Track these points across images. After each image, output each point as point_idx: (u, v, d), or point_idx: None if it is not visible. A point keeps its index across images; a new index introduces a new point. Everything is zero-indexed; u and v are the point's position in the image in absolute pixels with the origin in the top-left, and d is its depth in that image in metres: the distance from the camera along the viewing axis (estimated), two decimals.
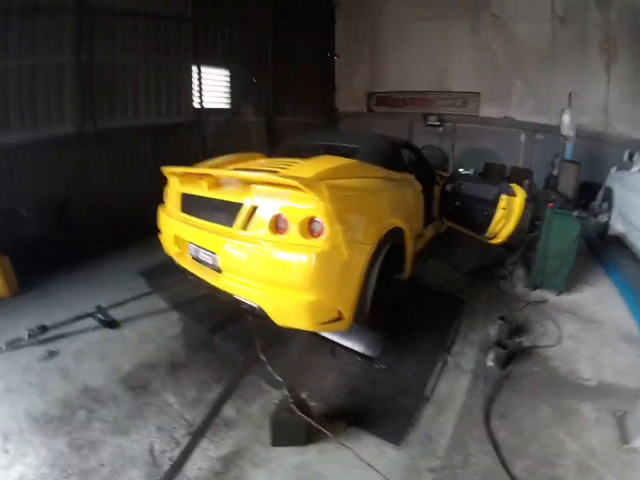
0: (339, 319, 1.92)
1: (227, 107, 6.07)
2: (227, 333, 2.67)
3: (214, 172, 2.21)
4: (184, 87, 5.26)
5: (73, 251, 4.21)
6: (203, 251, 2.20)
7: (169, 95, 5.10)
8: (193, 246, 2.29)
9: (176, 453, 1.85)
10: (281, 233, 1.82)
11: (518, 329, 2.50)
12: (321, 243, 1.76)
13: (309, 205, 1.77)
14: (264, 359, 2.32)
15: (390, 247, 2.14)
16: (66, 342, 2.77)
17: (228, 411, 2.13)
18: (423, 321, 2.54)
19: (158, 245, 2.88)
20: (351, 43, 8.44)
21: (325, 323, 1.91)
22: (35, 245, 4.04)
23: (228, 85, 6.00)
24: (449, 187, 3.46)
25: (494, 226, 3.07)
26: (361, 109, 8.74)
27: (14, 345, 2.72)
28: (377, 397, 2.00)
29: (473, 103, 7.47)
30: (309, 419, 1.81)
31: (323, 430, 1.86)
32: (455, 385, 2.06)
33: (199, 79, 5.48)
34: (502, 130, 7.01)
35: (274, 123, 6.78)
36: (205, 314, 2.91)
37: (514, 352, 2.21)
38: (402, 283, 2.52)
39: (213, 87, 5.75)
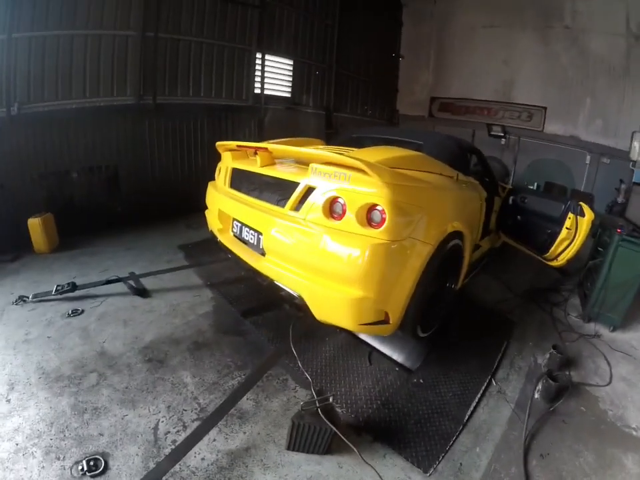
0: (385, 322, 1.79)
1: (288, 95, 6.24)
2: (259, 319, 2.60)
3: (270, 146, 2.12)
4: (246, 72, 5.43)
5: (119, 218, 4.48)
6: (247, 229, 2.16)
7: (231, 77, 5.28)
8: (238, 223, 2.26)
9: (181, 437, 1.70)
10: (335, 219, 1.71)
11: (568, 362, 2.39)
12: (379, 234, 1.63)
13: (371, 189, 1.65)
14: (295, 352, 2.14)
15: (449, 251, 2.04)
16: (93, 303, 2.82)
17: (246, 402, 1.95)
18: (469, 339, 2.43)
19: (203, 223, 2.90)
20: (417, 46, 8.48)
21: (368, 324, 1.77)
22: (83, 208, 4.34)
23: (290, 74, 6.16)
24: (511, 200, 3.32)
25: (556, 246, 2.93)
26: (422, 113, 8.70)
27: (41, 297, 2.80)
28: (411, 414, 1.86)
29: (538, 117, 7.18)
30: (334, 428, 1.57)
31: (346, 441, 1.64)
32: (495, 413, 1.93)
33: (262, 66, 5.64)
34: (566, 149, 6.74)
35: (332, 117, 6.91)
36: (240, 296, 2.89)
37: (564, 386, 2.09)
38: (454, 294, 2.42)
39: (275, 75, 5.91)
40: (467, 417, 1.88)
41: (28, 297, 2.76)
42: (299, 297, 1.81)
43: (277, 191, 1.99)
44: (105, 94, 4.42)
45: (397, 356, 2.22)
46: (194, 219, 3.48)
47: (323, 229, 1.71)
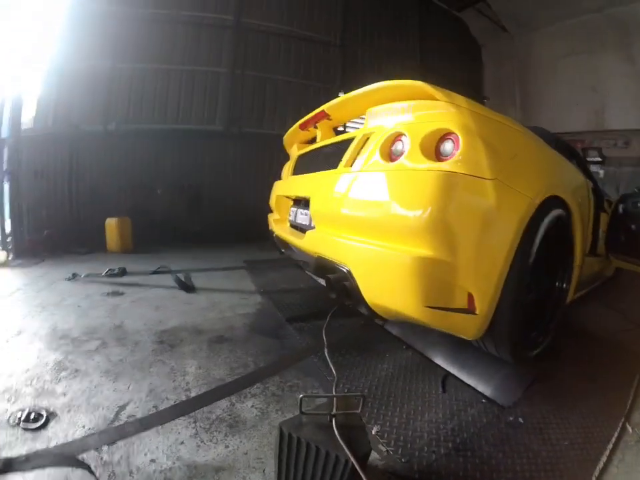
0: (468, 310, 1.48)
1: None
2: (306, 326, 2.56)
3: (326, 105, 2.31)
4: None
5: (195, 237, 5.39)
6: (301, 211, 2.29)
7: None
8: (294, 209, 2.45)
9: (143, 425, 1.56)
10: (396, 159, 1.61)
11: None
12: (451, 164, 1.45)
13: (440, 111, 1.57)
14: (328, 357, 1.93)
15: (553, 225, 1.83)
16: (137, 289, 3.29)
17: (248, 410, 1.68)
18: (584, 371, 2.17)
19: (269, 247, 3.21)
20: (500, 85, 9.63)
21: (441, 309, 1.46)
22: (162, 222, 5.43)
23: None
24: (621, 209, 3.27)
25: None
26: None
27: (92, 278, 3.45)
28: (501, 468, 1.43)
29: (637, 142, 7.61)
30: (353, 459, 1.07)
31: None
32: (638, 472, 1.49)
33: None
34: None
35: None
36: (291, 304, 2.99)
37: None
38: (565, 301, 2.23)
39: (357, 120, 6.58)
40: (594, 479, 1.42)
41: (80, 275, 3.45)
42: (348, 272, 1.64)
43: (334, 155, 2.03)
44: (196, 122, 5.87)
45: (482, 387, 1.87)
46: (267, 244, 3.82)
47: (377, 173, 1.63)
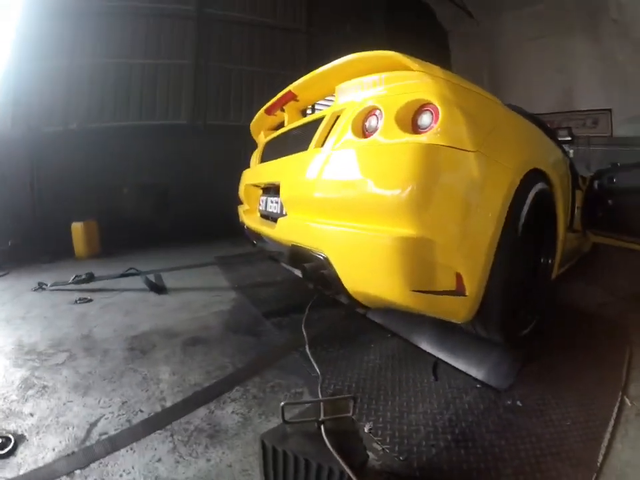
0: (458, 292, 1.42)
1: None
2: (284, 321, 2.49)
3: (292, 85, 2.26)
4: None
5: (165, 236, 5.26)
6: (271, 199, 2.23)
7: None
8: (263, 198, 2.40)
9: (117, 443, 1.49)
10: (369, 135, 1.55)
11: None
12: (430, 135, 1.38)
13: (415, 82, 1.51)
14: (310, 354, 1.88)
15: (536, 200, 1.78)
16: (105, 294, 3.18)
17: (229, 416, 1.60)
18: (574, 347, 2.18)
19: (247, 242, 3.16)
20: (468, 70, 9.73)
21: (428, 293, 1.39)
22: (130, 222, 5.23)
23: None
24: (596, 184, 3.35)
25: None
26: None
27: (59, 286, 3.30)
28: (506, 457, 1.37)
29: (605, 121, 7.80)
30: (349, 470, 0.97)
31: None
32: None
33: None
34: None
35: None
36: (267, 299, 2.93)
37: None
38: (551, 278, 2.24)
39: (324, 101, 6.53)
40: (600, 457, 1.39)
41: (47, 285, 3.31)
42: (325, 259, 1.56)
43: (302, 138, 1.97)
44: (161, 117, 5.71)
45: (475, 371, 1.82)
46: (240, 239, 3.76)
47: (351, 150, 1.54)
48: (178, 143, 5.60)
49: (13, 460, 1.37)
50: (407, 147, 1.37)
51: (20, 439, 1.46)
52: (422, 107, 1.44)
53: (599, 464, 1.35)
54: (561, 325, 2.43)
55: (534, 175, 1.76)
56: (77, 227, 4.52)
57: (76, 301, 2.94)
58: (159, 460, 1.37)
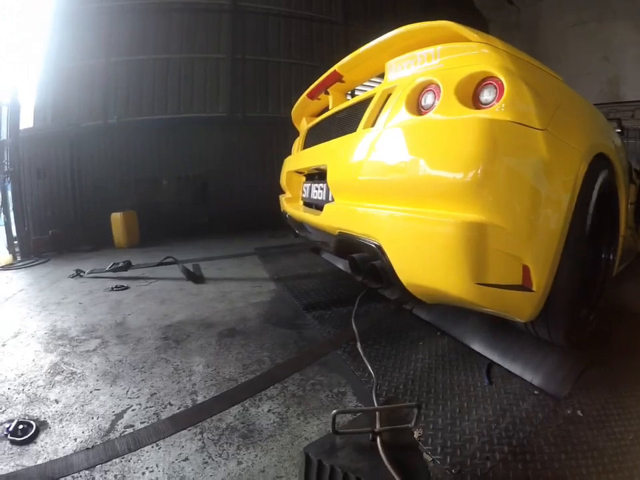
0: (524, 287, 1.29)
1: None
2: (327, 314, 2.37)
3: (338, 65, 2.16)
4: None
5: (204, 228, 5.32)
6: (315, 185, 2.16)
7: None
8: (307, 185, 2.33)
9: (142, 438, 1.33)
10: (426, 112, 1.43)
11: None
12: (495, 111, 1.27)
13: (472, 52, 1.41)
14: (360, 349, 1.63)
15: (600, 191, 1.62)
16: (142, 282, 3.15)
17: (265, 415, 1.47)
18: (635, 350, 1.98)
19: (287, 234, 3.22)
20: None
21: (495, 286, 1.25)
22: (169, 214, 5.38)
23: None
24: None
25: None
26: None
27: (96, 273, 3.32)
28: (566, 473, 1.22)
29: None
30: None
31: None
32: None
33: None
34: None
35: None
36: (308, 291, 2.80)
37: None
38: (612, 274, 2.07)
39: (364, 88, 6.47)
40: None
41: (84, 272, 3.34)
42: (377, 247, 1.46)
43: (350, 120, 1.88)
44: (198, 110, 5.77)
45: (531, 376, 1.70)
46: (280, 231, 3.65)
47: (406, 129, 1.43)
48: (217, 135, 5.70)
49: (33, 447, 1.31)
50: (470, 122, 1.26)
51: (42, 425, 1.42)
52: (484, 81, 1.34)
53: None
54: (622, 327, 2.25)
55: (600, 161, 1.64)
56: (116, 217, 4.65)
57: (112, 288, 2.93)
58: (186, 459, 1.25)
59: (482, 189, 1.19)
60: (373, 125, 1.63)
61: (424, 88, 1.46)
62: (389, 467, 0.85)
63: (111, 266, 3.21)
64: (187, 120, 5.57)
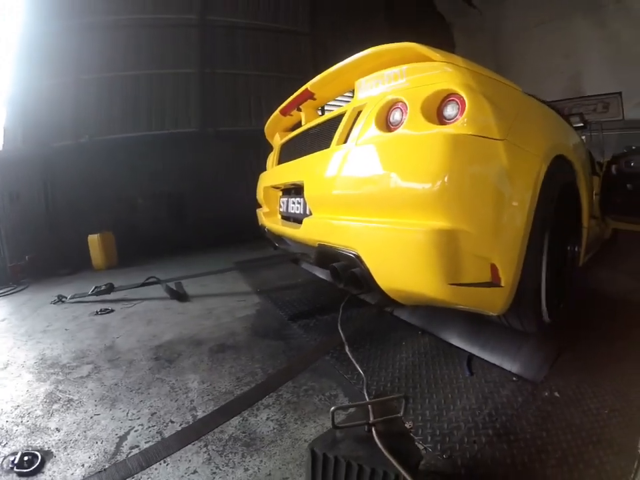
0: (494, 283, 1.37)
1: None
2: (311, 323, 2.43)
3: (309, 83, 2.22)
4: None
5: (182, 244, 5.21)
6: (292, 200, 2.19)
7: None
8: (284, 199, 2.35)
9: (149, 456, 1.35)
10: (394, 129, 1.50)
11: None
12: (457, 125, 1.35)
13: (439, 72, 1.48)
14: (349, 353, 1.73)
15: (562, 189, 1.75)
16: (126, 304, 3.10)
17: (264, 423, 1.52)
18: (607, 334, 2.13)
19: (266, 246, 3.09)
20: (473, 60, 9.29)
21: (467, 285, 1.34)
22: (146, 232, 5.23)
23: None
24: (614, 169, 3.27)
25: None
26: None
27: (78, 298, 3.23)
28: (548, 448, 1.35)
29: (615, 105, 7.62)
30: (406, 473, 0.91)
31: None
32: None
33: None
34: None
35: None
36: (292, 301, 2.84)
37: None
38: (577, 266, 2.20)
39: (334, 103, 6.52)
40: None
41: (66, 297, 3.24)
42: (356, 257, 1.51)
43: (322, 136, 1.93)
44: (170, 126, 5.69)
45: (509, 364, 1.80)
46: (258, 243, 3.71)
47: (376, 145, 1.50)
48: (190, 151, 5.60)
49: (41, 477, 1.29)
50: (435, 137, 1.33)
51: (47, 455, 1.39)
52: (447, 97, 1.41)
53: None
54: (591, 313, 2.39)
55: (559, 162, 1.73)
56: (93, 239, 4.51)
57: (97, 312, 2.87)
58: (195, 472, 1.28)
59: (448, 198, 1.27)
60: (345, 142, 1.69)
61: (392, 106, 1.53)
62: (385, 452, 0.93)
63: (94, 289, 3.13)
64: (159, 137, 5.47)
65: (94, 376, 1.96)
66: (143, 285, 3.25)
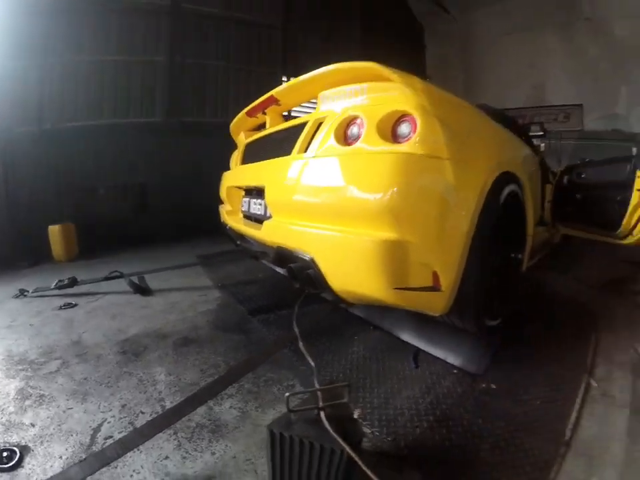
0: (434, 288, 1.49)
1: None
2: (271, 317, 2.53)
3: (275, 91, 2.24)
4: None
5: (144, 236, 5.09)
6: (254, 200, 2.23)
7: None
8: (246, 199, 2.38)
9: (123, 445, 1.49)
10: (352, 143, 1.57)
11: None
12: (409, 146, 1.42)
13: (395, 93, 1.54)
14: (303, 347, 1.85)
15: (507, 201, 1.87)
16: (90, 298, 3.08)
17: (227, 411, 1.65)
18: (545, 333, 2.28)
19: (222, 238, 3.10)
20: (443, 66, 10.01)
21: (408, 289, 1.45)
22: (108, 223, 5.06)
23: None
24: (565, 180, 3.46)
25: (629, 217, 2.91)
26: None
27: (41, 292, 3.17)
28: (483, 434, 1.49)
29: (576, 116, 7.92)
30: (349, 449, 1.07)
31: None
32: (607, 424, 1.61)
33: None
34: (610, 144, 7.03)
35: None
36: (252, 296, 2.93)
37: None
38: (520, 271, 2.31)
39: (300, 109, 6.64)
40: (568, 432, 1.49)
41: (28, 291, 3.16)
42: (310, 260, 1.59)
43: (285, 142, 1.96)
44: (135, 115, 5.46)
45: (453, 358, 1.92)
46: (219, 237, 3.75)
47: (334, 157, 1.56)
48: (154, 141, 5.36)
49: (22, 472, 1.35)
50: (387, 156, 1.41)
51: (25, 450, 1.42)
52: (401, 118, 1.48)
53: (567, 438, 1.47)
54: (535, 312, 2.53)
55: (505, 178, 1.82)
56: (54, 230, 4.31)
57: (61, 307, 2.84)
58: (167, 457, 1.39)
59: (396, 212, 1.36)
60: (305, 151, 1.73)
61: (350, 121, 1.58)
62: (331, 432, 1.09)
63: (56, 283, 3.08)
64: (124, 125, 5.19)
65: (63, 371, 1.97)
66: (106, 279, 3.23)
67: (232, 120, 2.95)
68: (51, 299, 3.04)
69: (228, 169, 2.99)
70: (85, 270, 3.85)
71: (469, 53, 9.35)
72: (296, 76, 5.96)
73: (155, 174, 5.41)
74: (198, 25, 5.88)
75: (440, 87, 1.76)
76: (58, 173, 4.83)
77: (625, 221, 2.95)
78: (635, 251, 3.39)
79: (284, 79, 6.74)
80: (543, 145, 7.97)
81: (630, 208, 2.89)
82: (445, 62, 9.92)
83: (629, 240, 3.00)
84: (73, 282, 3.14)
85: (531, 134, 8.00)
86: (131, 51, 5.42)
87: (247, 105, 2.65)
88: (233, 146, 3.06)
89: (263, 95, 2.40)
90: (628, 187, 2.89)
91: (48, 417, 1.62)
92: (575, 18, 7.43)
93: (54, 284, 3.11)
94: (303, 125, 1.86)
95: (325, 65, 1.84)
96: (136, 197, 5.27)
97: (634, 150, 6.56)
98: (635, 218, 2.90)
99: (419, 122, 1.42)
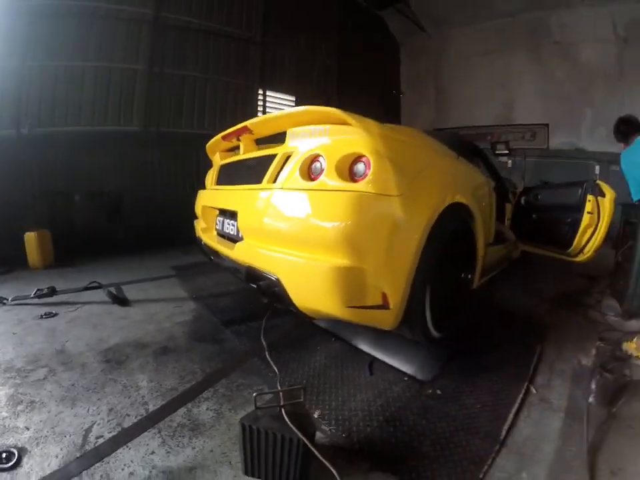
0: (383, 306, 1.67)
1: None
2: (242, 329, 2.66)
3: (249, 122, 2.32)
4: (249, 108, 6.69)
5: (119, 244, 5.12)
6: (227, 221, 2.32)
7: (233, 111, 6.38)
8: (220, 218, 2.46)
9: (113, 444, 1.64)
10: (314, 180, 1.72)
11: (620, 358, 2.31)
12: (363, 186, 1.60)
13: (353, 137, 1.70)
14: (269, 356, 2.13)
15: (456, 229, 2.04)
16: (70, 308, 3.13)
17: (204, 412, 1.84)
18: (495, 345, 2.43)
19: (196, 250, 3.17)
20: (416, 81, 10.18)
21: (360, 308, 1.65)
22: (83, 231, 5.05)
23: None
24: (523, 200, 3.64)
25: (580, 236, 3.12)
26: None
27: (20, 300, 3.19)
28: (426, 433, 1.67)
29: (542, 135, 8.20)
30: (303, 437, 1.33)
31: (328, 465, 1.36)
32: (542, 426, 1.77)
33: (264, 101, 6.97)
34: (574, 163, 7.51)
35: None
36: (225, 308, 3.06)
37: (623, 383, 2.00)
38: (471, 289, 2.44)
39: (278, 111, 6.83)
40: (504, 432, 1.66)
41: (7, 299, 3.18)
42: (277, 280, 1.74)
43: (257, 169, 2.08)
44: (113, 123, 5.46)
45: (406, 367, 2.09)
46: (193, 248, 3.87)
47: (298, 191, 1.72)
48: (130, 150, 5.34)
49: (21, 470, 1.42)
50: (344, 194, 1.58)
51: (22, 451, 1.50)
52: (358, 159, 1.63)
53: (502, 437, 1.63)
54: (488, 324, 2.69)
55: (454, 207, 1.96)
56: (30, 237, 4.23)
57: (41, 316, 2.87)
58: (153, 452, 1.55)
59: (350, 242, 1.52)
60: (274, 181, 1.87)
61: (314, 159, 1.73)
62: (290, 425, 1.34)
63: (36, 292, 3.11)
64: (101, 133, 5.12)
65: (50, 378, 2.03)
66: (86, 289, 3.29)
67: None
68: (31, 308, 3.06)
69: (203, 180, 3.11)
70: (62, 278, 3.86)
71: (442, 71, 9.65)
72: (273, 89, 6.24)
73: (131, 182, 5.38)
74: (178, 36, 5.94)
75: (395, 127, 1.99)
76: (34, 179, 4.73)
77: (576, 241, 3.14)
78: (591, 265, 3.62)
79: (261, 91, 6.97)
80: (509, 162, 8.26)
81: (580, 229, 3.08)
82: (419, 78, 10.23)
83: (580, 257, 3.20)
84: (53, 291, 3.19)
85: (497, 152, 8.34)
86: (111, 58, 5.38)
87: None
88: (209, 159, 3.18)
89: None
90: (579, 209, 3.08)
91: (41, 421, 1.69)
92: (544, 41, 7.76)
93: (33, 292, 3.15)
94: (272, 157, 1.99)
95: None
96: (112, 205, 5.22)
97: (597, 167, 7.15)
98: (586, 238, 3.09)
99: (372, 163, 1.58)
